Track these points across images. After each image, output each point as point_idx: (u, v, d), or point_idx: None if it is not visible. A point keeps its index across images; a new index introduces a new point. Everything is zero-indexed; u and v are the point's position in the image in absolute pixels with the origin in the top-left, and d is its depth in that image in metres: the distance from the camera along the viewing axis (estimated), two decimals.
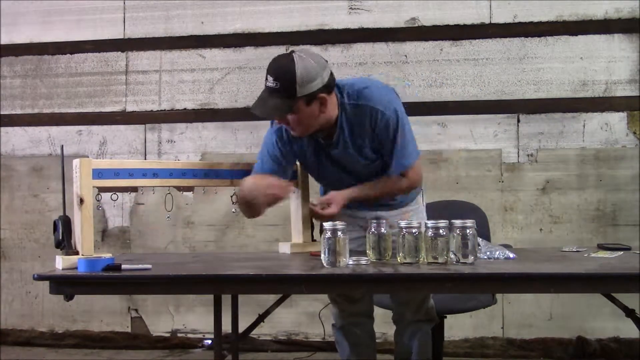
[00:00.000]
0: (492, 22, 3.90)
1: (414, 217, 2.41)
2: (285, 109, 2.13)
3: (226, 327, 2.41)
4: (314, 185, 2.53)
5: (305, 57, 2.11)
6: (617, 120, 3.80)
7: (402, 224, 2.00)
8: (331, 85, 2.17)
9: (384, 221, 2.09)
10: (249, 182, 2.24)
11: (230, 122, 4.09)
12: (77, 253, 2.01)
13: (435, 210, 2.58)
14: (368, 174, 2.35)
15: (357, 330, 2.56)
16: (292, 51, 2.14)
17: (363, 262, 2.00)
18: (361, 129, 2.24)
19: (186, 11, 4.16)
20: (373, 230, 2.06)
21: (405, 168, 2.31)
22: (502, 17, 3.89)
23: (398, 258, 2.01)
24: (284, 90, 2.09)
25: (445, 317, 2.78)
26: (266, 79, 2.13)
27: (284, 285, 1.95)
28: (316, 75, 2.10)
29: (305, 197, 2.47)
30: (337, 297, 2.53)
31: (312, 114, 2.16)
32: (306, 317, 3.96)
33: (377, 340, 2.68)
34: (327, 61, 2.20)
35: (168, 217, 2.29)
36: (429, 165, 3.86)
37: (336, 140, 2.28)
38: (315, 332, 3.95)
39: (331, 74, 2.17)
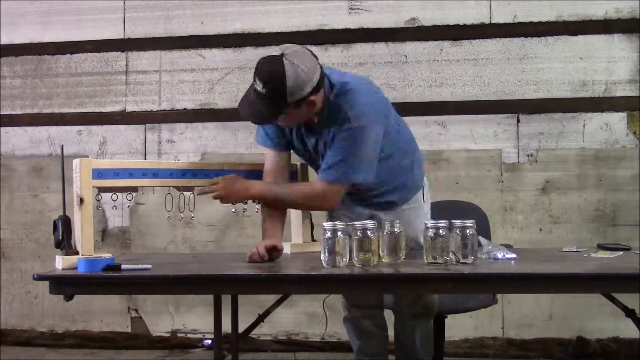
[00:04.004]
0: (492, 22, 3.89)
1: (412, 216, 2.39)
2: (272, 116, 2.14)
3: (226, 327, 2.41)
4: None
5: (297, 62, 2.05)
6: (617, 120, 3.80)
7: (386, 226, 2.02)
8: (320, 84, 2.13)
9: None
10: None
11: (230, 122, 4.08)
12: (77, 253, 2.01)
13: (435, 211, 2.58)
14: None
15: (366, 322, 2.56)
16: (282, 54, 2.07)
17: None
18: (333, 125, 2.20)
19: (186, 11, 4.16)
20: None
21: (335, 179, 2.20)
22: (502, 17, 3.89)
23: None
24: (273, 98, 2.06)
25: (446, 317, 2.77)
26: (254, 80, 2.08)
27: (284, 285, 1.96)
28: (307, 81, 2.06)
29: None
30: None
31: (300, 115, 2.16)
32: (306, 317, 3.96)
33: None
34: (317, 58, 2.15)
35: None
36: (429, 166, 3.86)
37: (314, 129, 2.26)
38: (315, 332, 3.96)
39: (321, 73, 2.13)
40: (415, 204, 2.45)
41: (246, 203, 2.37)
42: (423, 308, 2.53)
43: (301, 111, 2.14)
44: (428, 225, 1.98)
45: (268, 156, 2.37)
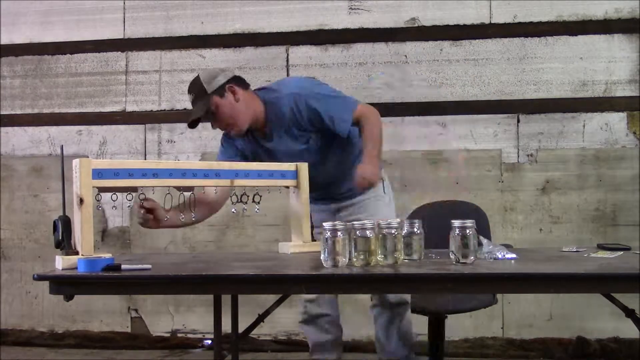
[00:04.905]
0: (492, 22, 3.90)
1: (374, 206, 2.61)
2: (204, 107, 2.45)
3: (226, 327, 2.41)
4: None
5: (207, 69, 2.56)
6: (617, 120, 3.80)
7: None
8: (239, 80, 2.53)
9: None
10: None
11: None
12: (77, 253, 2.00)
13: (435, 210, 2.59)
14: (314, 152, 2.55)
15: (321, 320, 2.77)
16: (198, 74, 2.53)
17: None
18: (284, 116, 2.51)
19: (186, 11, 4.16)
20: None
21: (348, 122, 2.49)
22: (502, 17, 3.89)
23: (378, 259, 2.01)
24: (198, 94, 2.47)
25: (446, 317, 2.77)
26: (190, 99, 2.52)
27: (284, 285, 1.95)
28: (216, 73, 2.51)
29: (304, 197, 2.47)
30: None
31: (231, 105, 2.47)
32: None
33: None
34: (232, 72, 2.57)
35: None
36: (429, 165, 3.87)
37: (269, 133, 2.56)
38: None
39: (238, 76, 2.55)
40: (374, 194, 2.65)
41: (246, 203, 2.37)
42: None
43: (229, 101, 2.47)
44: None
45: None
